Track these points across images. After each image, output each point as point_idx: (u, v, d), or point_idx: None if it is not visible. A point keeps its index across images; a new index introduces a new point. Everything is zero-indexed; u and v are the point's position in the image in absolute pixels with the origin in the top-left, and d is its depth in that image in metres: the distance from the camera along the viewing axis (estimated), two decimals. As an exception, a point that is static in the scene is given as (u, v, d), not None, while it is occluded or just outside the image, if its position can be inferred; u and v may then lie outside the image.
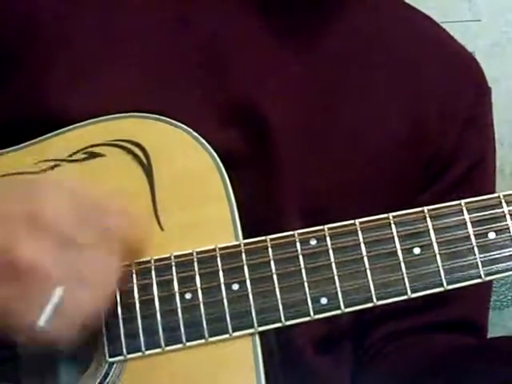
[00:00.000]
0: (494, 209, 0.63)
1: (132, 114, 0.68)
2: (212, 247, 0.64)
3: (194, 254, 0.64)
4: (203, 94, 0.72)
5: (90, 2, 0.73)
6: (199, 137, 0.67)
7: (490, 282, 0.80)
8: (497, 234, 0.63)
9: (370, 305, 0.62)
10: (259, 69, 0.73)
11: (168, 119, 0.68)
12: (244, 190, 0.66)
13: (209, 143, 0.67)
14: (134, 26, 0.73)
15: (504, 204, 0.63)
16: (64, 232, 0.56)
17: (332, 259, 0.63)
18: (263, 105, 0.71)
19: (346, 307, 0.62)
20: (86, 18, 0.72)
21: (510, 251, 0.62)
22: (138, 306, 0.63)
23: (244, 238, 0.64)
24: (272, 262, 0.63)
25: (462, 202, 0.64)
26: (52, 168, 0.67)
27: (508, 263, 0.62)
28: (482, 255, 0.62)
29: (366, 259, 0.63)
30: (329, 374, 0.72)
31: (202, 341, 0.62)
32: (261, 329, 0.62)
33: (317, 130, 0.73)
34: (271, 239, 0.64)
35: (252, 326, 0.62)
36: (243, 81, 0.72)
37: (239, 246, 0.64)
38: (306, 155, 0.72)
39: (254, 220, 0.65)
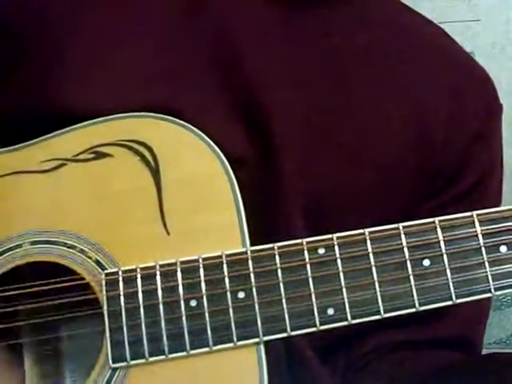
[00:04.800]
0: (506, 221, 0.58)
1: (141, 113, 0.64)
2: (218, 254, 0.59)
3: (200, 260, 0.59)
4: (212, 89, 0.67)
5: None
6: (208, 139, 0.63)
7: (489, 301, 0.76)
8: (508, 248, 0.58)
9: (377, 317, 0.58)
10: (267, 64, 0.68)
11: (177, 120, 0.63)
12: (247, 193, 0.61)
13: (214, 142, 0.62)
14: (148, 16, 0.68)
15: (517, 217, 0.59)
16: None
17: (340, 269, 0.58)
18: (268, 103, 0.67)
19: (353, 319, 0.58)
20: (97, 9, 0.68)
21: (522, 266, 0.58)
22: (142, 311, 0.58)
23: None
24: (279, 271, 0.58)
25: (474, 213, 0.59)
26: (57, 168, 0.63)
27: (519, 278, 0.58)
28: (492, 268, 0.58)
29: (374, 270, 0.58)
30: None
31: (207, 349, 0.58)
32: (266, 338, 0.58)
33: (320, 132, 0.68)
34: (279, 247, 0.59)
35: (257, 336, 0.58)
36: (250, 77, 0.67)
37: (246, 253, 0.59)
38: (309, 157, 0.68)
39: (257, 223, 0.61)
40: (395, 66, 0.71)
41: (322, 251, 0.59)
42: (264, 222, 0.63)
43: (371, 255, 0.58)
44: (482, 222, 0.58)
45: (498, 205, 0.72)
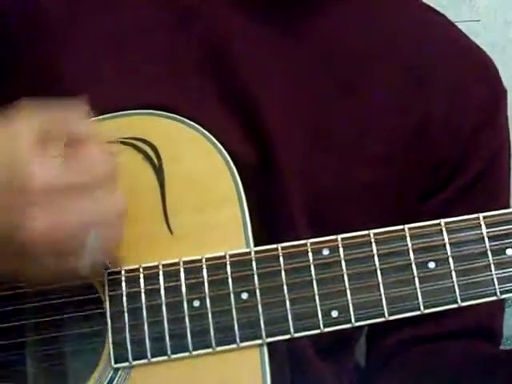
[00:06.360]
0: (512, 224, 0.57)
1: (142, 111, 0.62)
2: (222, 254, 0.57)
3: (204, 260, 0.57)
4: (209, 91, 0.66)
5: None
6: (212, 137, 0.61)
7: None
8: (515, 251, 0.56)
9: (381, 319, 0.56)
10: (264, 64, 0.66)
11: (178, 117, 0.61)
12: (248, 193, 0.59)
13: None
14: (142, 18, 0.67)
15: (524, 219, 0.57)
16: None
17: (344, 270, 0.57)
18: (265, 103, 0.65)
19: (356, 321, 0.56)
20: (93, 13, 0.67)
21: (528, 269, 0.56)
22: (144, 311, 0.57)
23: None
24: (283, 272, 0.57)
25: (480, 215, 0.57)
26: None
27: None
28: (498, 271, 0.56)
29: (378, 272, 0.56)
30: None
31: (209, 350, 0.56)
32: (269, 340, 0.56)
33: (319, 131, 0.66)
34: (283, 248, 0.57)
35: (260, 337, 0.56)
36: (247, 78, 0.66)
37: (250, 253, 0.57)
38: (308, 155, 0.66)
39: (259, 222, 0.59)
40: (396, 55, 0.69)
41: (326, 252, 0.57)
42: (266, 221, 0.62)
43: (376, 257, 0.57)
44: (488, 225, 0.57)
45: (507, 196, 0.70)
